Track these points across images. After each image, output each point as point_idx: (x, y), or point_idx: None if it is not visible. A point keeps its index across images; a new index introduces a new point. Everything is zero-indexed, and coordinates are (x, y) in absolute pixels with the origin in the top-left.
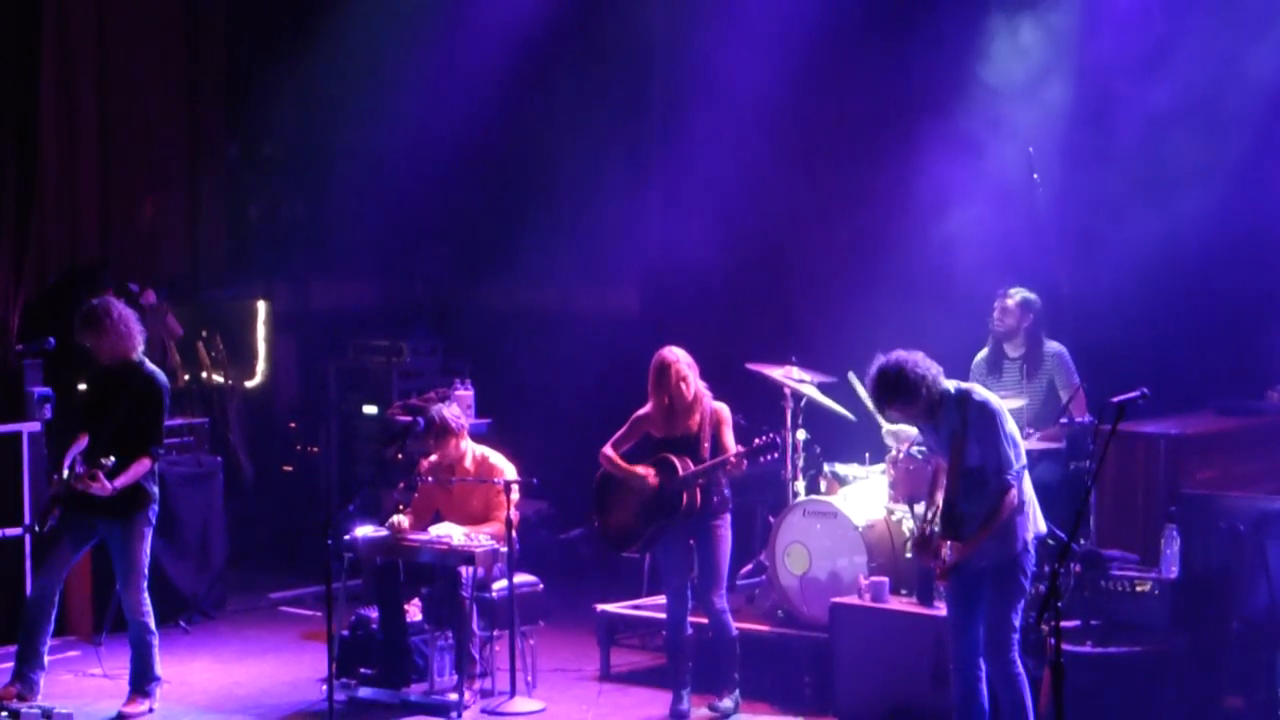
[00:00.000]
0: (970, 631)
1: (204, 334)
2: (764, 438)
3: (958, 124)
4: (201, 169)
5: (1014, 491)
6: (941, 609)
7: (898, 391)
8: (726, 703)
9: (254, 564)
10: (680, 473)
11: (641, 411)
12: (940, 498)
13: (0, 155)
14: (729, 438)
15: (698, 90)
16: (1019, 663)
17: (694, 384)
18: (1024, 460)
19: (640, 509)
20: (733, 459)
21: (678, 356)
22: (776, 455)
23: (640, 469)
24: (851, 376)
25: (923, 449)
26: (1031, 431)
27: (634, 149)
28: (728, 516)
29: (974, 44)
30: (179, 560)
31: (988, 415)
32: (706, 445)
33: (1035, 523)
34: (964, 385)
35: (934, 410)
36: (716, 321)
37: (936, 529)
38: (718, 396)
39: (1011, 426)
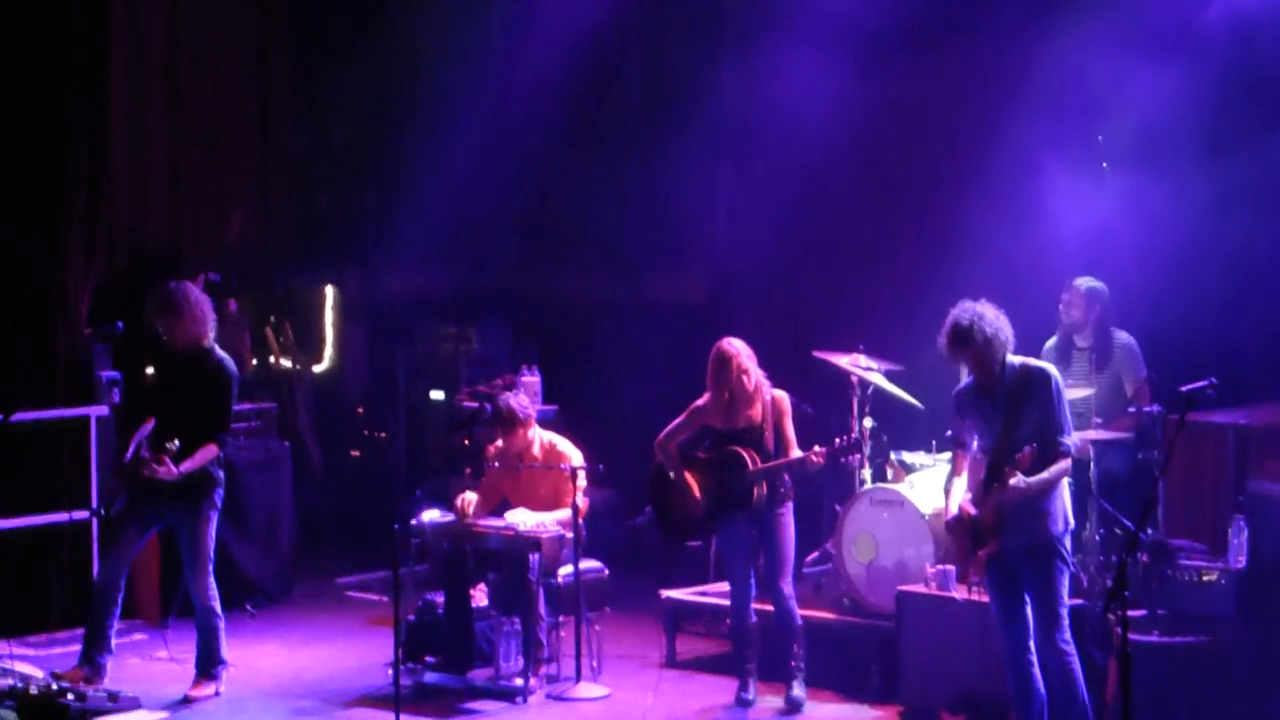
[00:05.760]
0: (1017, 619)
1: (272, 320)
2: (846, 438)
3: (1029, 112)
4: (271, 158)
5: (1067, 460)
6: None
7: (965, 342)
8: (798, 691)
9: (321, 549)
10: (750, 467)
11: (699, 402)
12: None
13: (71, 143)
14: (789, 428)
15: (768, 78)
16: (1072, 642)
17: (754, 375)
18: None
19: (706, 501)
20: (814, 458)
21: (738, 350)
22: (858, 456)
23: (689, 476)
24: None
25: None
26: (1099, 421)
27: (704, 135)
28: (790, 505)
29: (1045, 32)
30: (247, 545)
31: (1049, 381)
32: (769, 435)
33: (1070, 512)
34: (1026, 358)
35: (994, 374)
36: (784, 309)
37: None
38: (784, 385)
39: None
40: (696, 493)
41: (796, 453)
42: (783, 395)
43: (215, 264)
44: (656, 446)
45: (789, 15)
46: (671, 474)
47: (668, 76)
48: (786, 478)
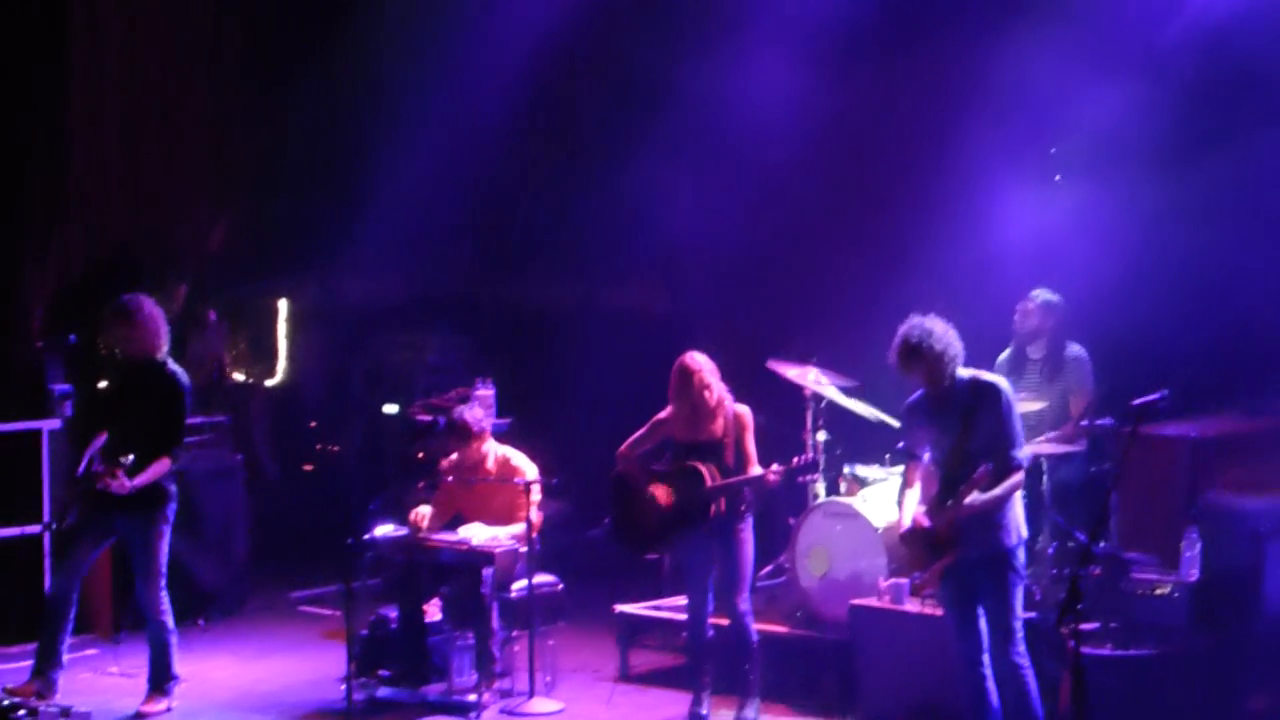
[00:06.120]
0: (972, 631)
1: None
2: (804, 458)
3: (982, 124)
4: (227, 165)
5: (1020, 474)
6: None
7: (915, 358)
8: (749, 711)
9: (275, 562)
10: (708, 483)
11: (662, 415)
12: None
13: (26, 155)
14: (750, 443)
15: (724, 90)
16: (1026, 654)
17: (717, 390)
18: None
19: (664, 515)
20: (770, 476)
21: (700, 365)
22: (814, 477)
23: (655, 488)
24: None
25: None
26: (1052, 434)
27: (660, 147)
28: (750, 521)
29: (999, 45)
30: (200, 558)
31: (999, 395)
32: (730, 451)
33: (1023, 524)
34: (976, 370)
35: (945, 389)
36: (740, 320)
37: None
38: (740, 396)
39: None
40: (655, 506)
41: (756, 469)
42: (745, 410)
43: (172, 275)
44: (618, 456)
45: (746, 24)
46: (632, 485)
47: (624, 86)
48: (747, 493)
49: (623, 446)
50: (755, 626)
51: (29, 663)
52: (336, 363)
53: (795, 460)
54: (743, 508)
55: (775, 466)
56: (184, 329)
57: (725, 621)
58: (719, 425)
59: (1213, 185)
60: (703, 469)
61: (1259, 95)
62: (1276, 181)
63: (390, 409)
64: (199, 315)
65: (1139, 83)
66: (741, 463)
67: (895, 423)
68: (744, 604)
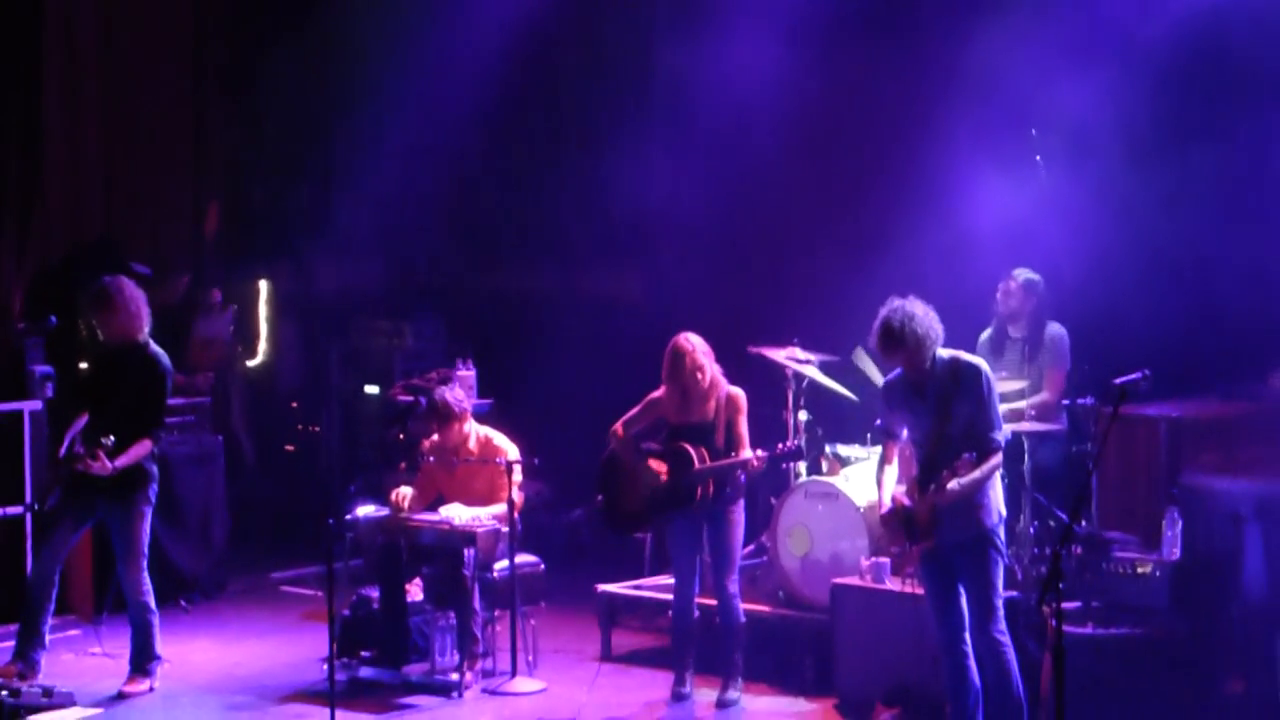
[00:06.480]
0: (953, 610)
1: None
2: (788, 444)
3: (962, 107)
4: (205, 151)
5: (999, 455)
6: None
7: (896, 342)
8: (733, 693)
9: (255, 544)
10: (696, 465)
11: (655, 394)
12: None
13: (4, 138)
14: (743, 426)
15: (702, 75)
16: (1007, 633)
17: (709, 371)
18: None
19: (652, 497)
20: (754, 461)
21: (694, 345)
22: (798, 463)
23: (653, 463)
24: (860, 352)
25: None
26: (1032, 413)
27: (638, 131)
28: (741, 503)
29: (976, 33)
30: (180, 540)
31: (979, 376)
32: (721, 434)
33: (1003, 503)
34: (956, 351)
35: (925, 370)
36: (719, 303)
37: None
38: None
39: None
40: (643, 486)
41: (747, 453)
42: (739, 393)
43: (151, 259)
44: (611, 434)
45: (724, 9)
46: (622, 465)
47: (603, 72)
48: (741, 476)
49: (616, 425)
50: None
51: (11, 644)
52: (315, 348)
53: (780, 446)
54: (731, 491)
55: (759, 452)
56: (190, 314)
57: (711, 602)
58: (710, 407)
59: (1189, 172)
60: (691, 451)
61: (1235, 83)
62: (1252, 169)
63: (371, 390)
64: (203, 299)
65: (1116, 70)
66: (733, 445)
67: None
68: (733, 586)
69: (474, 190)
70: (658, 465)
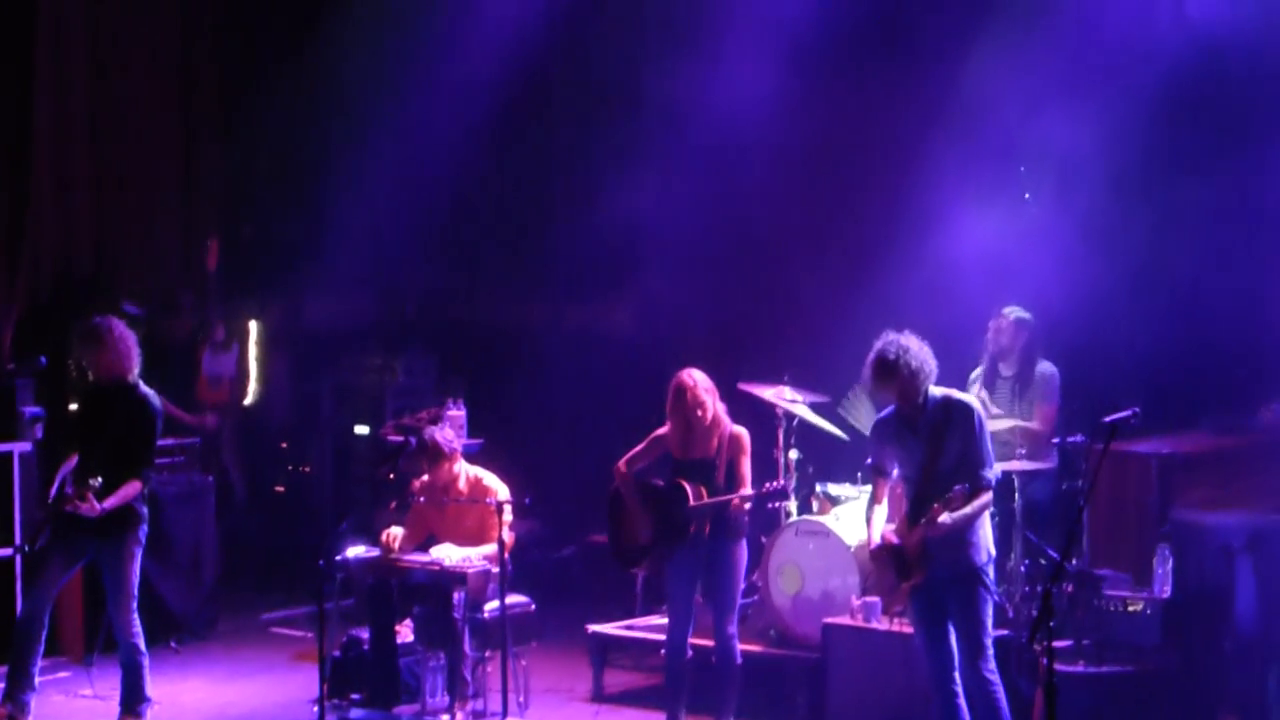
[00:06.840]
0: (942, 649)
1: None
2: (774, 484)
3: (950, 145)
4: (195, 187)
5: (989, 493)
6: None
7: (890, 375)
8: None
9: (246, 584)
10: (692, 501)
11: (660, 431)
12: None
13: None
14: (746, 467)
15: (691, 110)
16: (997, 671)
17: (711, 408)
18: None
19: (651, 532)
20: (736, 500)
21: (696, 380)
22: (783, 503)
23: (644, 506)
24: (854, 397)
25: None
26: (1023, 451)
27: (628, 168)
28: (744, 542)
29: (966, 66)
30: (170, 580)
31: (971, 413)
32: (722, 472)
33: (992, 542)
34: (949, 389)
35: (917, 405)
36: (709, 341)
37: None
38: None
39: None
40: (641, 523)
41: (747, 490)
42: (743, 432)
43: (140, 296)
44: (615, 470)
45: (714, 41)
46: (623, 501)
47: (593, 104)
48: (744, 515)
49: (620, 462)
50: None
51: (0, 685)
52: (305, 384)
53: (766, 486)
54: (733, 528)
55: (744, 491)
56: (196, 350)
57: (706, 642)
58: (712, 444)
59: (1177, 206)
60: (688, 488)
61: (1223, 117)
62: (1240, 202)
63: (361, 430)
64: (208, 334)
65: (1103, 104)
66: (733, 484)
67: (846, 436)
68: (732, 627)
69: (464, 224)
70: (646, 507)
